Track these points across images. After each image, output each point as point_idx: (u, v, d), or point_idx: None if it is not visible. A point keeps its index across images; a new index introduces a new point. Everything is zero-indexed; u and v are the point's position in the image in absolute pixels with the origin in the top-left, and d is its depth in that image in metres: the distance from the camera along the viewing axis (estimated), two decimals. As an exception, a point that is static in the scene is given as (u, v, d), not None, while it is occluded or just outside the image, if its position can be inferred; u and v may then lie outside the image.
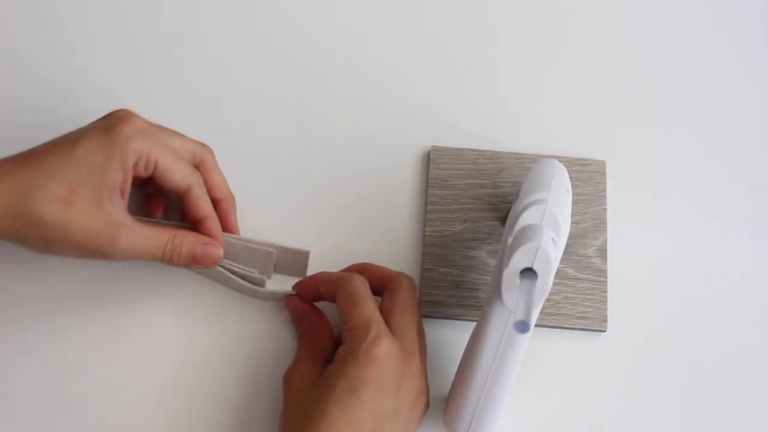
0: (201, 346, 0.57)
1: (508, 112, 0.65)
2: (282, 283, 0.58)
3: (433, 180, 0.62)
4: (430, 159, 0.63)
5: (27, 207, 0.48)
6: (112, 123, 0.51)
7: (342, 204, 0.62)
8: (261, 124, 0.64)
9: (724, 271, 0.61)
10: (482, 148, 0.63)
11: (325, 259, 0.59)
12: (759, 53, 0.68)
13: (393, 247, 0.61)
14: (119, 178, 0.50)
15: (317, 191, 0.62)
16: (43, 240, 0.50)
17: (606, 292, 0.59)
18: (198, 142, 0.56)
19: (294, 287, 0.57)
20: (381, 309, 0.53)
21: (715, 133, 0.65)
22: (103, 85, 0.64)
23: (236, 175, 0.62)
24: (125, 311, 0.58)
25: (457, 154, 0.63)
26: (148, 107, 0.64)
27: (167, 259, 0.53)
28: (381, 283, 0.54)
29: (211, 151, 0.57)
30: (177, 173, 0.52)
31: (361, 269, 0.56)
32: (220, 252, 0.55)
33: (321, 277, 0.56)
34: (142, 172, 0.51)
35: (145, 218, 0.56)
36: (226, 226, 0.57)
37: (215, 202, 0.56)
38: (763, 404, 0.58)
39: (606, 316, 0.59)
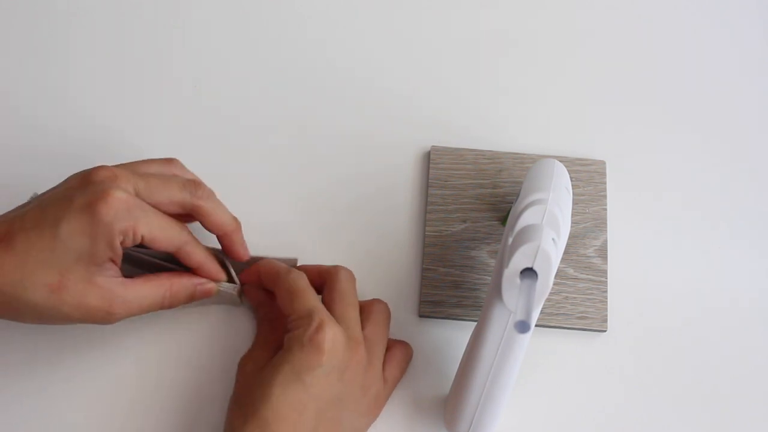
0: (161, 340, 0.57)
1: (508, 112, 0.65)
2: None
3: (433, 180, 0.62)
4: (430, 159, 0.63)
5: (17, 296, 0.48)
6: (91, 200, 0.48)
7: (342, 204, 0.62)
8: (261, 124, 0.64)
9: (725, 270, 0.61)
10: (482, 148, 0.63)
11: (325, 259, 0.59)
12: (759, 53, 0.68)
13: (393, 247, 0.61)
14: (108, 254, 0.49)
15: (317, 191, 0.62)
16: (38, 319, 0.50)
17: (606, 292, 0.59)
18: (186, 186, 0.53)
19: (240, 275, 0.57)
20: (323, 302, 0.54)
21: (716, 133, 0.65)
22: (99, 80, 0.64)
23: (236, 174, 0.62)
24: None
25: (457, 154, 0.63)
26: (148, 107, 0.64)
27: (166, 308, 0.54)
28: (319, 280, 0.55)
29: (203, 194, 0.53)
30: (164, 241, 0.51)
31: (257, 270, 0.57)
32: (213, 288, 0.56)
33: (263, 268, 0.56)
34: (129, 244, 0.50)
35: (137, 272, 0.55)
36: (234, 257, 0.56)
37: (218, 238, 0.56)
38: (763, 404, 0.58)
39: (606, 316, 0.59)
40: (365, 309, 0.56)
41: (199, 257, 0.54)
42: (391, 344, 0.57)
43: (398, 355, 0.56)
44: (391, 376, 0.56)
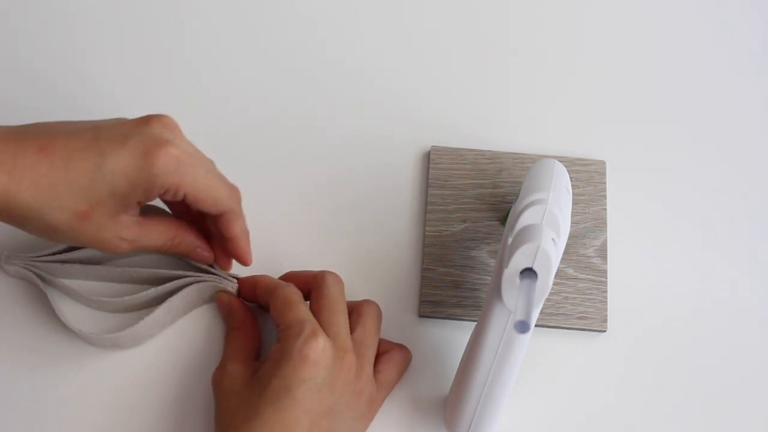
0: (160, 340, 0.57)
1: (508, 112, 0.65)
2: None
3: (433, 180, 0.62)
4: (430, 159, 0.63)
5: (43, 212, 0.46)
6: (145, 145, 0.47)
7: (342, 204, 0.62)
8: (260, 124, 0.64)
9: (725, 271, 0.61)
10: (482, 148, 0.63)
11: (325, 259, 0.59)
12: (759, 53, 0.68)
13: (393, 247, 0.61)
14: (141, 198, 0.49)
15: (317, 191, 0.62)
16: (45, 234, 0.49)
17: (606, 292, 0.59)
18: (230, 186, 0.53)
19: (239, 281, 0.57)
20: (311, 309, 0.53)
21: (716, 133, 0.65)
22: (104, 85, 0.65)
23: (236, 174, 0.62)
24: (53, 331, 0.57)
25: (457, 154, 0.63)
26: (147, 107, 0.64)
27: (163, 252, 0.54)
28: (307, 286, 0.55)
29: (239, 200, 0.53)
30: (208, 203, 0.50)
31: (285, 278, 0.57)
32: (210, 257, 0.56)
33: (259, 280, 0.56)
34: (170, 199, 0.50)
35: (153, 207, 0.54)
36: (241, 260, 0.56)
37: (228, 241, 0.55)
38: (763, 405, 0.58)
39: (606, 316, 0.59)
40: (355, 311, 0.55)
41: (237, 229, 0.53)
42: (390, 347, 0.56)
43: (396, 358, 0.56)
44: (387, 379, 0.55)
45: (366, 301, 0.56)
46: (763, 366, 0.59)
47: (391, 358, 0.56)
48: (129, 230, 0.50)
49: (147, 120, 0.49)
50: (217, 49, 0.66)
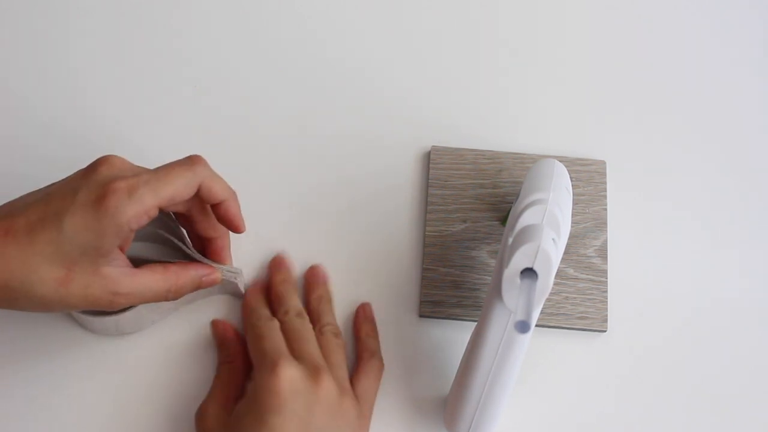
0: (161, 337, 0.58)
1: (508, 112, 0.65)
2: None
3: (433, 180, 0.62)
4: (430, 159, 0.63)
5: (25, 290, 0.47)
6: (95, 194, 0.47)
7: (342, 204, 0.62)
8: (261, 124, 0.64)
9: (725, 271, 0.61)
10: (482, 148, 0.63)
11: (325, 259, 0.60)
12: (759, 54, 0.68)
13: (393, 247, 0.61)
14: (115, 244, 0.49)
15: (317, 191, 0.62)
16: (42, 308, 0.49)
17: (606, 292, 0.59)
18: (193, 174, 0.51)
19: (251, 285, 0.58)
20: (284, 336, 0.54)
21: (715, 133, 0.65)
22: (104, 86, 0.65)
23: (236, 174, 0.62)
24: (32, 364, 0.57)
25: (457, 154, 0.63)
26: (147, 107, 0.64)
27: (170, 299, 0.54)
28: (272, 306, 0.56)
29: (209, 173, 0.52)
30: (179, 196, 0.50)
31: (261, 288, 0.58)
32: (218, 277, 0.55)
33: (247, 299, 0.57)
34: (147, 221, 0.49)
35: (145, 259, 0.54)
36: (232, 227, 0.55)
37: (210, 240, 0.55)
38: (763, 404, 0.58)
39: (606, 316, 0.59)
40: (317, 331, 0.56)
41: (218, 188, 0.51)
42: (358, 357, 0.56)
43: (367, 368, 0.56)
44: (364, 391, 0.55)
45: (324, 327, 0.56)
46: (763, 366, 0.59)
47: (362, 370, 0.56)
48: (120, 284, 0.50)
49: (93, 167, 0.49)
50: (217, 50, 0.66)
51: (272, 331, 0.54)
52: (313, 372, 0.51)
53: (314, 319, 0.56)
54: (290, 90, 0.65)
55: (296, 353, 0.52)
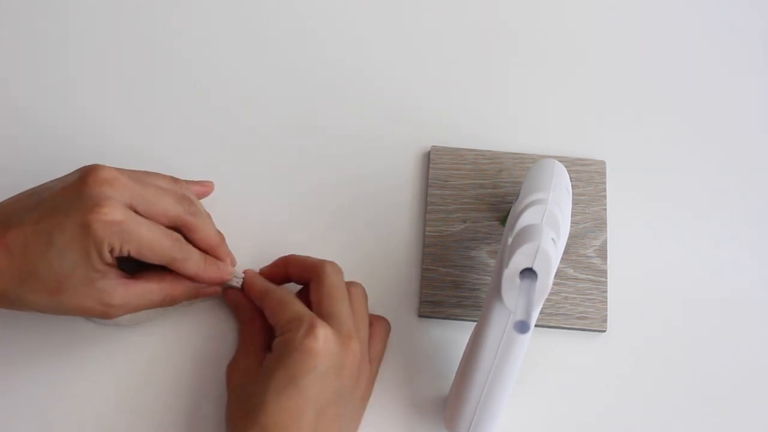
0: (162, 334, 0.58)
1: (508, 112, 0.65)
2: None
3: (433, 180, 0.62)
4: (430, 159, 0.63)
5: (18, 298, 0.49)
6: (86, 216, 0.48)
7: (342, 204, 0.62)
8: (261, 124, 0.64)
9: (725, 271, 0.61)
10: (482, 148, 0.63)
11: (325, 258, 0.59)
12: (759, 54, 0.68)
13: (393, 247, 0.61)
14: (103, 262, 0.50)
15: (317, 191, 0.62)
16: (39, 312, 0.51)
17: (606, 292, 0.59)
18: (181, 200, 0.53)
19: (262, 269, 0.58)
20: (311, 299, 0.54)
21: (715, 133, 0.65)
22: (103, 86, 0.65)
23: (235, 174, 0.62)
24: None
25: (457, 154, 0.63)
26: (147, 107, 0.64)
27: (166, 306, 0.55)
28: (306, 274, 0.56)
29: (194, 210, 0.54)
30: (153, 257, 0.51)
31: (285, 262, 0.57)
32: (217, 291, 0.57)
33: (251, 284, 0.56)
34: (116, 255, 0.50)
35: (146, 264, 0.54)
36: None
37: (204, 252, 0.56)
38: (764, 404, 0.58)
39: (606, 316, 0.59)
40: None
41: (192, 269, 0.53)
42: (371, 320, 0.57)
43: (380, 331, 0.57)
44: (376, 353, 0.56)
45: (351, 283, 0.56)
46: (763, 366, 0.59)
47: (375, 332, 0.56)
48: (113, 296, 0.51)
49: (83, 180, 0.50)
50: (217, 50, 0.66)
51: (292, 295, 0.54)
52: (345, 337, 0.52)
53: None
54: (290, 90, 0.65)
55: (327, 311, 0.52)
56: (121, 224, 0.49)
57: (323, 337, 0.50)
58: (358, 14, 0.68)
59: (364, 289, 0.56)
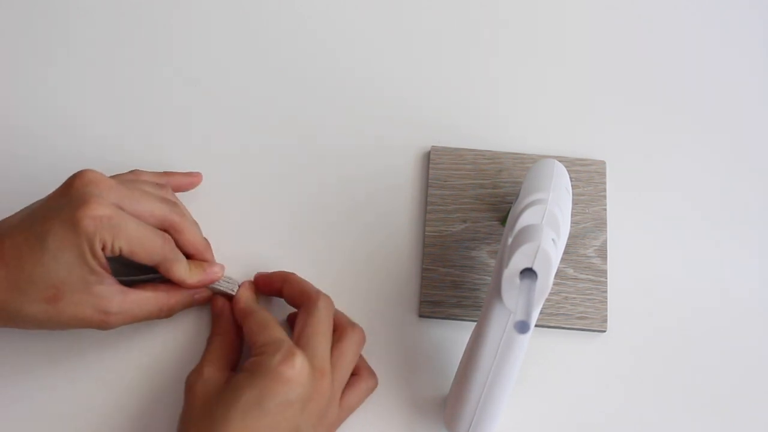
0: (157, 339, 0.58)
1: (508, 112, 0.65)
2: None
3: (433, 180, 0.62)
4: (430, 159, 0.63)
5: (16, 310, 0.49)
6: (74, 211, 0.49)
7: (342, 204, 0.62)
8: (260, 124, 0.64)
9: (725, 271, 0.61)
10: (482, 148, 0.63)
11: (325, 259, 0.60)
12: (759, 53, 0.68)
13: (393, 247, 0.61)
14: (97, 262, 0.50)
15: (317, 191, 0.62)
16: (37, 327, 0.51)
17: (606, 292, 0.59)
18: (166, 201, 0.54)
19: (256, 276, 0.58)
20: (295, 325, 0.54)
21: (715, 133, 0.65)
22: (99, 80, 0.65)
23: (235, 175, 0.62)
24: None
25: (457, 154, 0.63)
26: (147, 107, 0.64)
27: (162, 317, 0.55)
28: (298, 299, 0.55)
29: (180, 212, 0.54)
30: (143, 255, 0.51)
31: (282, 279, 0.57)
32: (209, 296, 0.57)
33: (236, 300, 0.56)
34: (108, 255, 0.50)
35: (135, 278, 0.54)
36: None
37: (188, 257, 0.55)
38: (764, 404, 0.58)
39: (606, 316, 0.59)
40: (338, 329, 0.55)
41: (179, 274, 0.53)
42: (358, 369, 0.56)
43: (362, 386, 0.55)
44: (349, 404, 0.55)
45: (351, 325, 0.55)
46: (763, 366, 0.59)
47: (357, 385, 0.55)
48: (111, 303, 0.51)
49: (69, 184, 0.51)
50: (217, 51, 0.66)
51: (275, 320, 0.54)
52: (318, 371, 0.51)
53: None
54: (290, 90, 0.65)
55: (306, 340, 0.52)
56: (111, 219, 0.49)
57: (299, 366, 0.49)
58: (358, 14, 0.68)
59: (363, 335, 0.56)
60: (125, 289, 0.52)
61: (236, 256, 0.58)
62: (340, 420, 0.54)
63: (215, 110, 0.64)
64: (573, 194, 0.57)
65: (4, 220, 0.52)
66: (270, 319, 0.54)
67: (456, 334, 0.58)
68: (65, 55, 0.65)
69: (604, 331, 0.59)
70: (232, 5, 0.68)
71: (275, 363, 0.49)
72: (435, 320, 0.59)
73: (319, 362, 0.51)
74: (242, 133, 0.64)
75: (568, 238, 0.54)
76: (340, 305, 0.58)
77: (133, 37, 0.66)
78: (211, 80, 0.65)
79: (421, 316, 0.59)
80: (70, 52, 0.66)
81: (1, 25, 0.66)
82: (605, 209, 0.61)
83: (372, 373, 0.56)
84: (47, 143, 0.62)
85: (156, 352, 0.57)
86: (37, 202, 0.52)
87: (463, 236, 0.60)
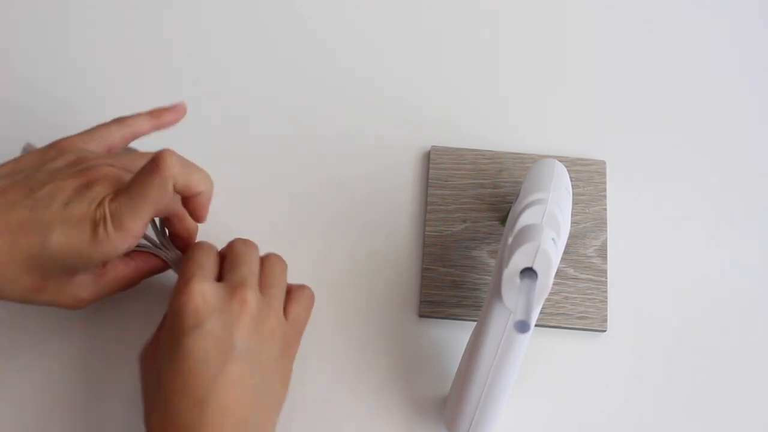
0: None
1: (508, 112, 0.65)
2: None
3: (433, 180, 0.62)
4: (430, 159, 0.63)
5: None
6: (91, 220, 0.47)
7: (342, 204, 0.62)
8: (260, 124, 0.64)
9: (724, 271, 0.61)
10: (482, 148, 0.63)
11: (325, 258, 0.60)
12: (759, 53, 0.68)
13: (393, 247, 0.61)
14: (99, 264, 0.50)
15: (317, 191, 0.62)
16: (8, 300, 0.49)
17: (606, 292, 0.59)
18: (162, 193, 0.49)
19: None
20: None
21: (716, 133, 0.65)
22: (99, 80, 0.65)
23: (235, 175, 0.62)
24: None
25: (457, 154, 0.63)
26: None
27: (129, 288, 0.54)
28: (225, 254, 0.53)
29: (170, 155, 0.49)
30: (161, 209, 0.49)
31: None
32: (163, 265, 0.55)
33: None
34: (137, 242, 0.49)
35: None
36: (196, 218, 0.53)
37: (179, 238, 0.54)
38: (763, 405, 0.58)
39: (606, 316, 0.59)
40: (263, 262, 0.53)
41: (195, 180, 0.50)
42: (289, 287, 0.53)
43: (298, 295, 0.53)
44: (295, 316, 0.52)
45: (270, 253, 0.54)
46: (763, 366, 0.59)
47: (293, 297, 0.53)
48: (86, 290, 0.51)
49: (85, 177, 0.48)
50: (216, 51, 0.66)
51: (202, 253, 0.51)
52: (231, 289, 0.48)
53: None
54: (290, 90, 0.65)
55: (227, 275, 0.50)
56: (119, 218, 0.47)
57: (199, 292, 0.47)
58: (358, 14, 0.68)
59: (282, 260, 0.53)
60: (102, 271, 0.51)
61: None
62: (295, 331, 0.52)
63: (215, 110, 0.64)
64: (573, 194, 0.57)
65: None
66: (197, 250, 0.51)
67: (456, 334, 0.58)
68: (65, 55, 0.65)
69: (604, 331, 0.59)
70: (232, 5, 0.68)
71: (175, 299, 0.47)
72: (435, 320, 0.59)
73: (236, 278, 0.49)
74: (242, 133, 0.64)
75: (568, 238, 0.54)
76: (340, 305, 0.58)
77: (133, 37, 0.66)
78: (211, 80, 0.65)
79: (421, 316, 0.59)
80: (70, 51, 0.66)
81: (6, 19, 0.66)
82: (605, 209, 0.61)
83: (303, 285, 0.54)
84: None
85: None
86: (32, 173, 0.49)
87: (463, 236, 0.60)
